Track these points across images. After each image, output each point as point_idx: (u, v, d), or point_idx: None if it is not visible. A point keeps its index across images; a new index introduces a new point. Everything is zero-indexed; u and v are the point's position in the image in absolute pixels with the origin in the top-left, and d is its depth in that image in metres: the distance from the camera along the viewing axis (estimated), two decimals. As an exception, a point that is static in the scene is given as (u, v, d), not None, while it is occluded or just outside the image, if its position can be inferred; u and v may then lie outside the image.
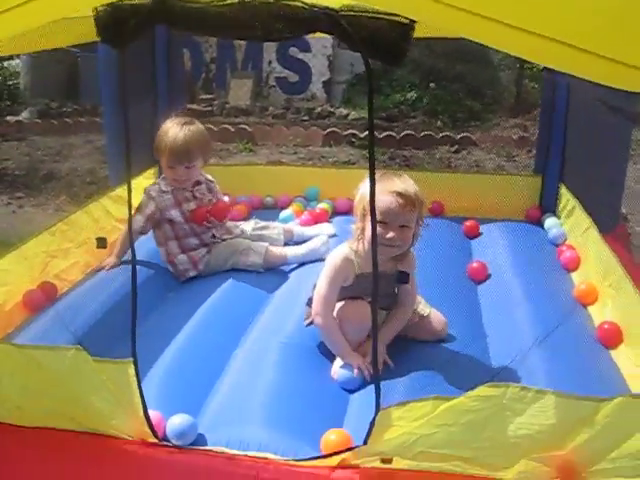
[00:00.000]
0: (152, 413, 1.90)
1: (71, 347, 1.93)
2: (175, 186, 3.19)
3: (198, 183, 3.27)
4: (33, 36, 2.37)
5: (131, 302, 1.82)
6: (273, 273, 3.21)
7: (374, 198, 1.69)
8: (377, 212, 2.13)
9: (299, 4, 1.50)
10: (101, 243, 3.05)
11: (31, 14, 1.48)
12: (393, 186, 2.28)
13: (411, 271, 2.49)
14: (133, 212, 3.04)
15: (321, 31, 1.54)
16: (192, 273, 3.17)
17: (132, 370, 1.84)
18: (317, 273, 2.49)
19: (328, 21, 1.49)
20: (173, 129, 3.14)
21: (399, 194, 2.26)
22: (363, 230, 2.35)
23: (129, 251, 1.96)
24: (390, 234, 2.28)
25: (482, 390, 1.73)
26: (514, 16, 1.29)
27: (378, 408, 1.75)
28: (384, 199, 2.23)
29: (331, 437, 1.90)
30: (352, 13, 1.48)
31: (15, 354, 1.99)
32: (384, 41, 1.47)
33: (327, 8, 1.50)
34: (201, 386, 2.24)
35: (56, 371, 1.93)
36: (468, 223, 3.78)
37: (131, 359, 1.84)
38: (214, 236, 3.26)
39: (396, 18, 1.45)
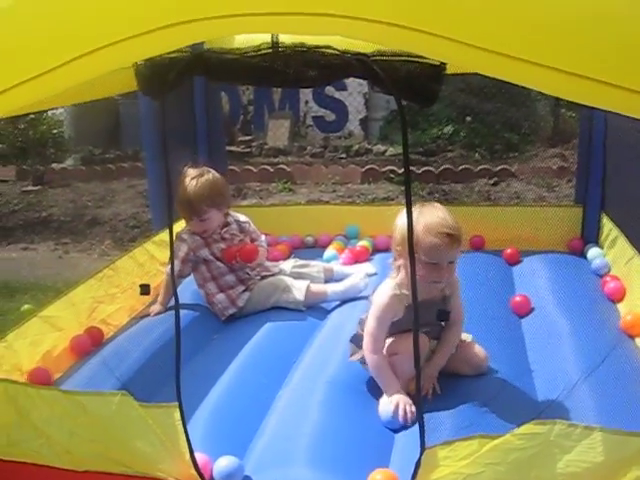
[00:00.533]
0: (199, 455, 1.91)
1: (117, 393, 1.96)
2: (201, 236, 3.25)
3: (227, 224, 3.31)
4: (76, 88, 2.45)
5: (175, 347, 1.85)
6: (314, 311, 3.22)
7: (412, 242, 1.72)
8: (423, 253, 2.20)
9: (331, 51, 1.53)
10: (144, 290, 3.10)
11: (78, 71, 1.53)
12: (438, 226, 2.24)
13: (456, 292, 2.46)
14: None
15: (354, 76, 1.57)
16: (231, 311, 3.19)
17: (177, 414, 1.86)
18: (358, 309, 2.50)
19: (360, 67, 1.52)
20: (183, 184, 3.19)
21: (447, 235, 2.24)
22: (405, 265, 2.29)
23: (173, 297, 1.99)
24: (439, 275, 2.29)
25: (528, 427, 1.71)
26: (541, 54, 1.30)
27: (423, 448, 1.74)
28: (431, 240, 2.22)
29: (377, 477, 1.89)
30: (383, 58, 1.50)
31: (62, 400, 2.03)
32: (416, 84, 1.49)
33: (359, 54, 1.53)
34: (247, 427, 2.25)
35: (102, 416, 1.96)
36: (509, 251, 3.78)
37: (176, 403, 1.86)
38: (248, 273, 3.29)
39: (427, 60, 1.48)
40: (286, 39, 1.59)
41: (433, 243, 2.22)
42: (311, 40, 1.56)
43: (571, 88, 1.39)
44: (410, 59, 1.48)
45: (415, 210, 2.24)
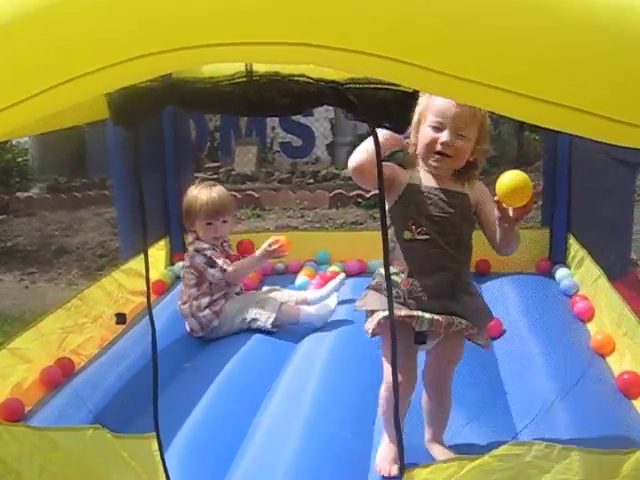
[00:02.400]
0: (177, 486, 1.89)
1: (89, 427, 1.93)
2: (210, 244, 3.30)
3: (224, 241, 3.42)
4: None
5: (152, 375, 1.82)
6: (287, 334, 3.21)
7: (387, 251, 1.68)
8: (432, 115, 2.00)
9: (305, 79, 1.53)
10: (120, 319, 3.07)
11: (49, 102, 1.52)
12: None
13: (485, 199, 2.16)
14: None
15: (328, 104, 1.58)
16: (215, 323, 3.24)
17: (155, 445, 1.83)
18: (331, 335, 2.46)
19: (334, 95, 1.53)
20: (204, 190, 3.31)
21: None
22: (415, 143, 2.09)
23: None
24: (444, 137, 2.00)
25: (506, 449, 1.72)
26: (513, 82, 1.32)
27: (402, 469, 1.73)
28: (442, 101, 1.97)
29: None
30: (357, 85, 1.51)
31: (32, 436, 1.99)
32: (389, 110, 1.51)
33: (332, 82, 1.54)
34: (223, 457, 2.22)
35: (75, 451, 1.93)
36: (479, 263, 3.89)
37: (153, 433, 1.83)
38: (238, 293, 3.39)
39: (399, 88, 1.49)
40: (260, 67, 1.60)
41: (442, 102, 1.97)
42: (285, 68, 1.57)
43: (543, 115, 1.41)
44: (382, 86, 1.49)
45: None
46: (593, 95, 1.32)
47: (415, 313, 2.03)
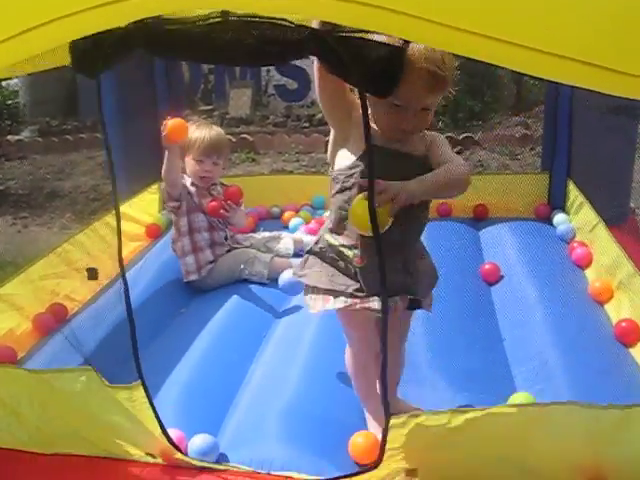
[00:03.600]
0: (173, 431, 1.88)
1: (83, 369, 1.91)
2: (197, 183, 3.25)
3: (214, 184, 3.34)
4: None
5: (128, 325, 1.78)
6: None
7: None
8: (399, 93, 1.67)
9: (287, 24, 1.40)
10: (92, 275, 3.03)
11: (39, 40, 1.45)
12: (420, 58, 1.68)
13: (442, 141, 1.96)
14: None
15: (309, 54, 1.46)
16: (193, 277, 3.18)
17: (141, 393, 1.81)
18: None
19: (317, 44, 1.41)
20: (203, 127, 3.25)
21: (429, 73, 1.71)
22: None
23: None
24: (405, 123, 1.80)
25: (500, 408, 1.68)
26: (508, 31, 1.26)
27: (389, 415, 1.68)
28: (406, 77, 1.65)
29: (358, 440, 1.92)
30: (342, 34, 1.39)
31: (28, 379, 1.98)
32: (375, 70, 1.40)
33: (315, 29, 1.44)
34: (220, 404, 2.21)
35: (70, 393, 1.91)
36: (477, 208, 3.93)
37: (139, 382, 1.80)
38: (226, 238, 3.30)
39: (388, 41, 1.39)
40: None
41: (407, 80, 1.66)
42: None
43: (535, 64, 1.35)
44: (370, 38, 1.38)
45: None
46: (588, 43, 1.26)
47: (370, 304, 1.85)
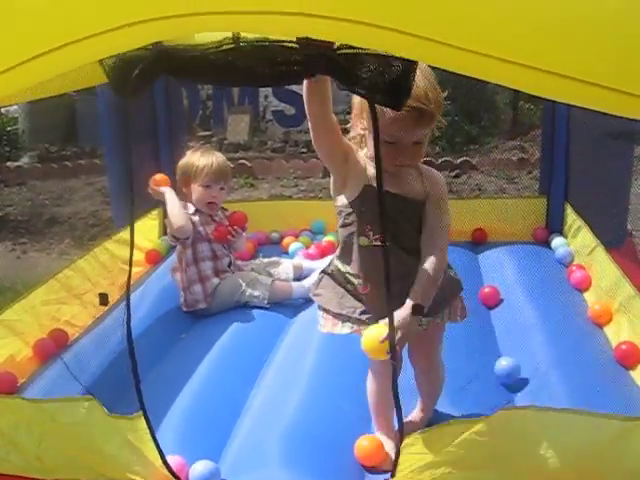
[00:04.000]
0: (174, 458, 1.87)
1: (84, 398, 1.90)
2: (202, 209, 3.26)
3: (218, 209, 3.37)
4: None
5: (128, 355, 1.79)
6: (282, 308, 3.19)
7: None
8: (383, 130, 1.66)
9: (294, 45, 1.45)
10: (103, 300, 3.03)
11: (39, 69, 1.47)
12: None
13: (439, 195, 1.94)
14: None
15: (320, 73, 1.51)
16: (202, 305, 3.18)
17: (143, 424, 1.81)
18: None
19: (325, 62, 1.46)
20: (207, 155, 3.27)
21: (414, 109, 1.73)
22: (363, 135, 1.91)
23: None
24: (400, 158, 1.83)
25: (503, 413, 1.70)
26: (510, 51, 1.28)
27: (401, 436, 1.71)
28: (391, 113, 1.70)
29: (364, 443, 1.98)
30: (351, 51, 1.43)
31: (28, 408, 1.97)
32: (385, 81, 1.43)
33: (323, 48, 1.47)
34: (221, 429, 2.20)
35: (71, 423, 1.90)
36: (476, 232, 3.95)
37: (140, 413, 1.80)
38: (230, 264, 3.31)
39: (397, 56, 1.42)
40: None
41: (394, 116, 1.71)
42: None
43: (536, 83, 1.37)
44: (379, 54, 1.42)
45: None
46: (591, 64, 1.28)
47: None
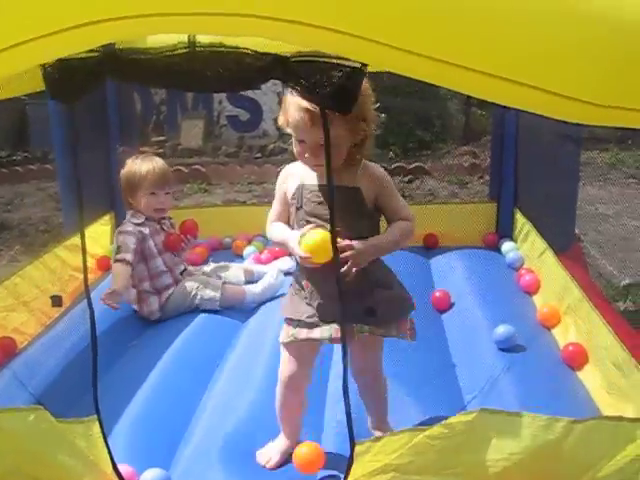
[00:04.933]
0: (124, 467, 1.85)
1: (32, 408, 1.87)
2: (150, 216, 3.23)
3: (163, 218, 3.32)
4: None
5: (91, 356, 1.76)
6: (234, 313, 3.19)
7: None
8: (293, 129, 1.90)
9: (251, 52, 1.47)
10: (56, 302, 3.01)
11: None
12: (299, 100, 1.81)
13: (393, 194, 2.02)
14: (115, 254, 3.15)
15: (274, 78, 1.53)
16: (157, 315, 3.17)
17: (97, 427, 1.78)
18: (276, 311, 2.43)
19: (281, 68, 1.48)
20: (147, 162, 3.23)
21: (304, 109, 1.84)
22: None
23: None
24: (308, 157, 1.92)
25: (455, 418, 1.72)
26: (454, 54, 1.31)
27: (353, 443, 1.72)
28: (295, 114, 1.87)
29: (302, 450, 1.96)
30: (304, 59, 1.46)
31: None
32: (335, 87, 1.46)
33: (278, 55, 1.49)
34: (171, 436, 2.19)
35: (19, 433, 1.86)
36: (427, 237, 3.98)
37: (95, 416, 1.78)
38: (182, 272, 3.30)
39: (347, 63, 1.45)
40: (203, 39, 1.52)
41: (293, 117, 1.87)
42: (230, 41, 1.50)
43: (486, 88, 1.41)
44: (331, 61, 1.45)
45: None
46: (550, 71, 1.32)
47: (313, 334, 1.96)
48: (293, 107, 1.86)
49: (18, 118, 8.72)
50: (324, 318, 1.95)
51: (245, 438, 2.13)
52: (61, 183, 4.29)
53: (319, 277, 1.94)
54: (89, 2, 1.34)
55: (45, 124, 4.40)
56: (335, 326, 1.92)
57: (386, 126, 8.57)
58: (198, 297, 3.18)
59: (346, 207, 1.89)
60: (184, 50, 1.52)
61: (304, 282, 2.01)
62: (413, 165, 7.77)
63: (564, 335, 2.79)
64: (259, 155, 8.64)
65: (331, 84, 1.49)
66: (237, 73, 1.52)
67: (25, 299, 3.12)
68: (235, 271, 3.50)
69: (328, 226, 1.76)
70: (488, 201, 4.15)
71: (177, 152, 8.75)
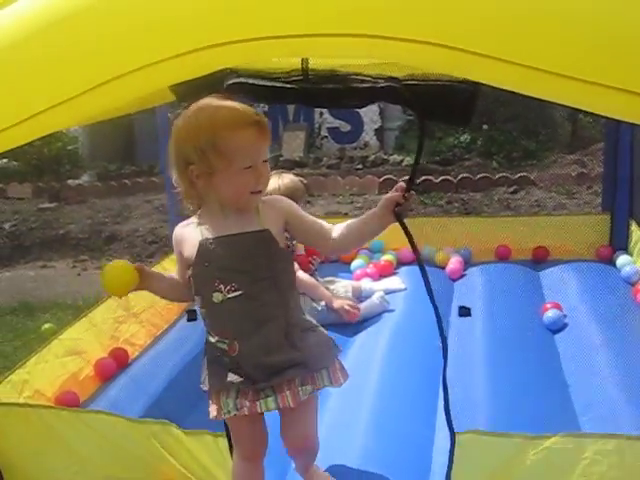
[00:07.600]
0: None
1: (158, 422, 1.93)
2: None
3: None
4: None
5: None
6: (340, 329, 3.15)
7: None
8: (240, 157, 1.70)
9: (362, 78, 1.47)
10: (191, 315, 3.09)
11: (107, 96, 1.48)
12: (243, 115, 1.70)
13: (287, 212, 1.85)
14: None
15: (386, 101, 1.53)
16: None
17: (225, 443, 1.81)
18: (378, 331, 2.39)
19: (391, 94, 1.48)
20: (272, 177, 3.20)
21: (257, 122, 1.71)
22: (199, 193, 1.79)
23: None
24: (260, 182, 1.76)
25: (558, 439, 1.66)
26: (559, 64, 1.25)
27: (453, 435, 1.73)
28: (242, 135, 1.70)
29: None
30: (415, 82, 1.45)
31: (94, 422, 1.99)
32: (450, 107, 1.45)
33: (390, 78, 1.48)
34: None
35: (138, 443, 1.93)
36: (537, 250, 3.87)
37: (223, 433, 1.81)
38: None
39: (460, 85, 1.43)
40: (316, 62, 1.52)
41: (242, 138, 1.69)
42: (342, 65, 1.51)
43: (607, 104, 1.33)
44: (443, 83, 1.43)
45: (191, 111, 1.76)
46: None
47: (257, 404, 1.80)
48: (228, 129, 1.69)
49: (126, 132, 9.03)
50: (261, 380, 1.79)
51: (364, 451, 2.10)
52: (168, 195, 4.39)
53: (245, 332, 1.76)
54: (203, 28, 1.34)
55: (152, 138, 4.52)
56: (280, 395, 1.79)
57: (489, 136, 8.43)
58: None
59: (257, 252, 1.77)
60: (298, 78, 1.55)
61: (229, 348, 1.80)
62: (518, 175, 7.58)
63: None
64: (360, 166, 8.63)
65: (444, 105, 1.48)
66: (349, 94, 1.53)
67: (135, 311, 3.20)
68: (344, 284, 3.45)
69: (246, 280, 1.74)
70: (601, 213, 3.99)
71: (279, 163, 8.86)
